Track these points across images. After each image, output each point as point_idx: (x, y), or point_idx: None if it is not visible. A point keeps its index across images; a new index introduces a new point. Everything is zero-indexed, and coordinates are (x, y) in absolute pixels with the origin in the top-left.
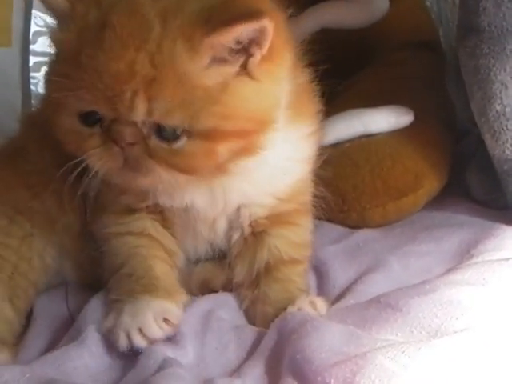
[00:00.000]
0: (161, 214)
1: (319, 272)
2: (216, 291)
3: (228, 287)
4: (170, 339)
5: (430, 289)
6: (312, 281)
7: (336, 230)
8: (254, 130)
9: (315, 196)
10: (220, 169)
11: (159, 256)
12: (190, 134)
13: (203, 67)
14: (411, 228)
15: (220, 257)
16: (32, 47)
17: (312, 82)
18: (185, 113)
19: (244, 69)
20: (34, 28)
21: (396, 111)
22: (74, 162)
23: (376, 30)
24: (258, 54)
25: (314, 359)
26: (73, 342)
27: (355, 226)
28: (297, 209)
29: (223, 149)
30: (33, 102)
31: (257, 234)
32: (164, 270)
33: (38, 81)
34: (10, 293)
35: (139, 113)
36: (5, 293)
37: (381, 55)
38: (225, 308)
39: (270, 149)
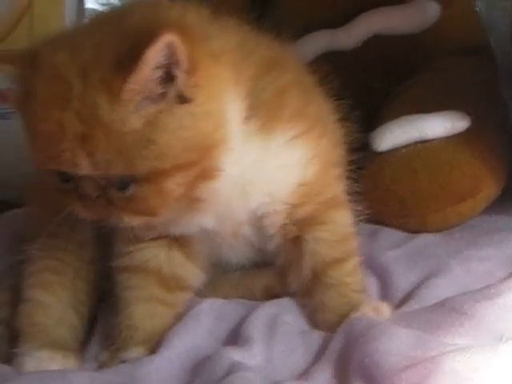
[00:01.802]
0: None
1: (381, 277)
2: (280, 296)
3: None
4: (238, 343)
5: (494, 293)
6: (374, 285)
7: (396, 234)
8: (198, 158)
9: (356, 192)
10: (188, 200)
11: (146, 297)
12: (135, 180)
13: (128, 113)
14: (471, 232)
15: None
16: None
17: (304, 77)
18: (123, 161)
19: (172, 97)
20: None
21: (452, 116)
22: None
23: (427, 35)
24: (179, 73)
25: (383, 363)
26: None
27: (414, 231)
28: (320, 209)
29: (172, 185)
30: None
31: (294, 241)
32: (144, 314)
33: None
34: (74, 298)
35: (84, 168)
36: (68, 298)
37: (432, 61)
38: (290, 313)
39: (241, 163)
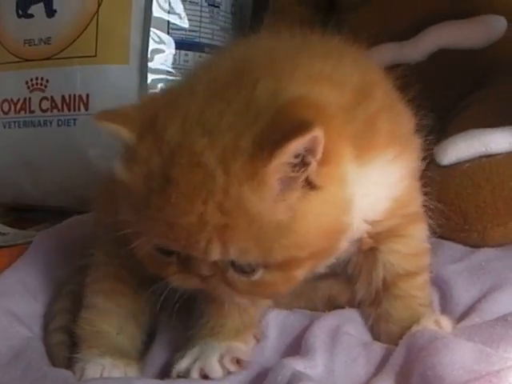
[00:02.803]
0: None
1: (442, 290)
2: (342, 307)
3: (353, 304)
4: (300, 352)
5: None
6: (435, 299)
7: (457, 248)
8: (328, 244)
9: (426, 207)
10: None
11: None
12: (266, 266)
13: (273, 202)
14: None
15: (343, 272)
16: (149, 64)
17: (390, 95)
18: (259, 249)
19: (305, 184)
20: (151, 46)
21: None
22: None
23: (493, 50)
24: (313, 162)
25: (445, 376)
26: None
27: (475, 245)
28: (402, 223)
29: (302, 271)
30: None
31: (368, 252)
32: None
33: None
34: (135, 307)
35: (214, 256)
36: (130, 307)
37: (498, 76)
38: (352, 324)
39: None
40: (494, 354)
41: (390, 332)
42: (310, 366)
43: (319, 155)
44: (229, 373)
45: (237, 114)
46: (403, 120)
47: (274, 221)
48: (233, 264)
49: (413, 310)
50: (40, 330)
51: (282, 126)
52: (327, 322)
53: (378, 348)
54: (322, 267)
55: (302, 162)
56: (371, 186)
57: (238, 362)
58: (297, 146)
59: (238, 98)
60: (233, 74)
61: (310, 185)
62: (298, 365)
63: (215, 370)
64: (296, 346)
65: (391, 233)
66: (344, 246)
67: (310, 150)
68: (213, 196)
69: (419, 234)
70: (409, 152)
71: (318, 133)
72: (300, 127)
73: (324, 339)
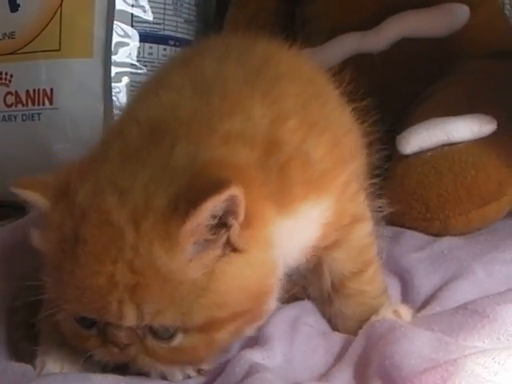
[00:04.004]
0: None
1: (403, 280)
2: (302, 299)
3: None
4: (258, 343)
5: None
6: (396, 288)
7: (419, 237)
8: (252, 306)
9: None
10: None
11: None
12: (185, 329)
13: (186, 261)
14: (494, 235)
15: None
16: (113, 58)
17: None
18: (176, 311)
19: (226, 246)
20: (115, 39)
21: (479, 120)
22: None
23: (456, 38)
24: (235, 224)
25: (402, 366)
26: None
27: (438, 234)
28: (339, 235)
29: (223, 335)
30: (114, 112)
31: (313, 260)
32: None
33: (120, 91)
34: None
35: (129, 319)
36: None
37: (461, 64)
38: (311, 315)
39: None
40: (453, 343)
41: (347, 326)
42: (269, 356)
43: (241, 217)
44: (188, 377)
45: (151, 176)
46: (330, 143)
47: (188, 280)
48: (150, 330)
49: (365, 305)
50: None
51: (199, 186)
52: (287, 313)
53: (338, 338)
54: (251, 331)
55: (222, 224)
56: (296, 234)
57: (199, 370)
58: (213, 204)
59: (153, 161)
60: (144, 138)
61: (231, 247)
62: (256, 356)
63: (175, 375)
64: (256, 337)
65: (330, 245)
66: (273, 307)
67: (231, 211)
68: (122, 255)
69: (360, 233)
70: (335, 183)
71: (236, 191)
72: (216, 186)
73: (283, 329)
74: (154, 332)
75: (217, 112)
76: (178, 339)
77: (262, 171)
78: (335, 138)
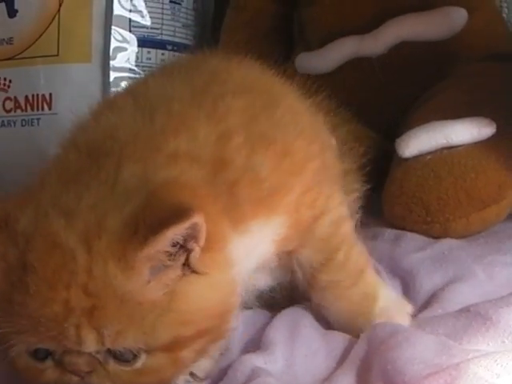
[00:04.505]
0: None
1: (405, 280)
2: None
3: None
4: (259, 347)
5: None
6: (398, 289)
7: (420, 239)
8: (216, 324)
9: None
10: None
11: None
12: (147, 350)
13: (144, 282)
14: (495, 238)
15: None
16: (112, 63)
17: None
18: (137, 332)
19: (187, 267)
20: (113, 44)
21: (478, 123)
22: None
23: (454, 41)
24: (196, 248)
25: (405, 371)
26: None
27: (438, 237)
28: (300, 238)
29: (188, 353)
30: None
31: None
32: None
33: None
34: None
35: (89, 344)
36: None
37: (459, 67)
38: (309, 318)
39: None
40: (456, 347)
41: (340, 324)
42: (270, 360)
43: (202, 241)
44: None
45: (98, 197)
46: (278, 153)
47: (148, 301)
48: (111, 354)
49: (344, 298)
50: None
51: (158, 210)
52: (287, 317)
53: (339, 340)
54: (214, 350)
55: (183, 248)
56: (252, 250)
57: (192, 374)
58: (175, 233)
59: (98, 183)
60: (84, 161)
61: (191, 269)
62: (257, 360)
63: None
64: (257, 342)
65: (294, 249)
66: (234, 324)
67: (191, 237)
68: (75, 278)
69: (323, 227)
70: (286, 200)
71: (198, 219)
72: (178, 213)
73: (284, 333)
74: (115, 356)
75: (161, 132)
76: (142, 360)
77: (212, 189)
78: (285, 147)
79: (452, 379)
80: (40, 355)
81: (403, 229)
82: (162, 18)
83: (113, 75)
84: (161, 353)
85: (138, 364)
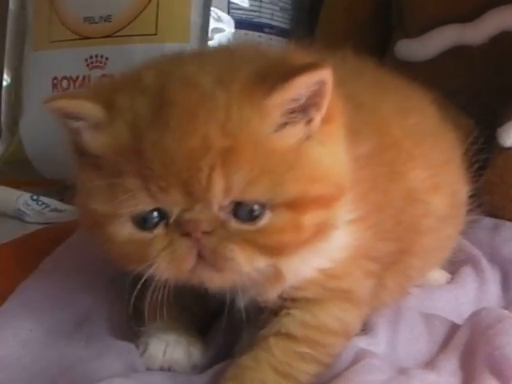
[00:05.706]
0: None
1: (504, 269)
2: None
3: None
4: (363, 330)
5: None
6: (496, 277)
7: None
8: (334, 196)
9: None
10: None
11: None
12: (273, 206)
13: (275, 128)
14: None
15: None
16: (209, 43)
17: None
18: (266, 183)
19: (307, 134)
20: (212, 24)
21: None
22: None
23: None
24: (317, 117)
25: None
26: None
27: None
28: (324, 295)
29: (309, 221)
30: None
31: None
32: None
33: None
34: None
35: (217, 191)
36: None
37: None
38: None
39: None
40: None
41: None
42: (373, 343)
43: (324, 110)
44: None
45: (221, 61)
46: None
47: (278, 150)
48: (235, 212)
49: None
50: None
51: (290, 64)
52: None
53: (441, 324)
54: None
55: (302, 112)
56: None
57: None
58: (306, 82)
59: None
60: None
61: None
62: (361, 343)
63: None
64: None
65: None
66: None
67: (317, 95)
68: (215, 114)
69: (337, 312)
70: (368, 225)
71: (327, 76)
72: (309, 66)
73: (387, 316)
74: (238, 214)
75: None
76: (266, 218)
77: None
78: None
79: None
80: (148, 224)
81: (502, 218)
82: (261, 1)
83: None
84: (285, 210)
85: (262, 222)
